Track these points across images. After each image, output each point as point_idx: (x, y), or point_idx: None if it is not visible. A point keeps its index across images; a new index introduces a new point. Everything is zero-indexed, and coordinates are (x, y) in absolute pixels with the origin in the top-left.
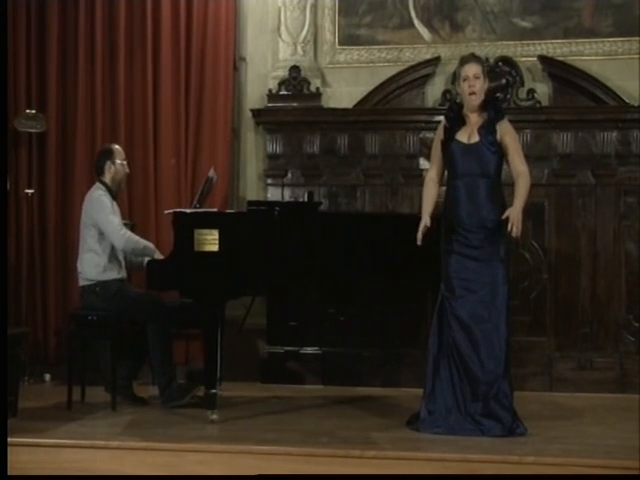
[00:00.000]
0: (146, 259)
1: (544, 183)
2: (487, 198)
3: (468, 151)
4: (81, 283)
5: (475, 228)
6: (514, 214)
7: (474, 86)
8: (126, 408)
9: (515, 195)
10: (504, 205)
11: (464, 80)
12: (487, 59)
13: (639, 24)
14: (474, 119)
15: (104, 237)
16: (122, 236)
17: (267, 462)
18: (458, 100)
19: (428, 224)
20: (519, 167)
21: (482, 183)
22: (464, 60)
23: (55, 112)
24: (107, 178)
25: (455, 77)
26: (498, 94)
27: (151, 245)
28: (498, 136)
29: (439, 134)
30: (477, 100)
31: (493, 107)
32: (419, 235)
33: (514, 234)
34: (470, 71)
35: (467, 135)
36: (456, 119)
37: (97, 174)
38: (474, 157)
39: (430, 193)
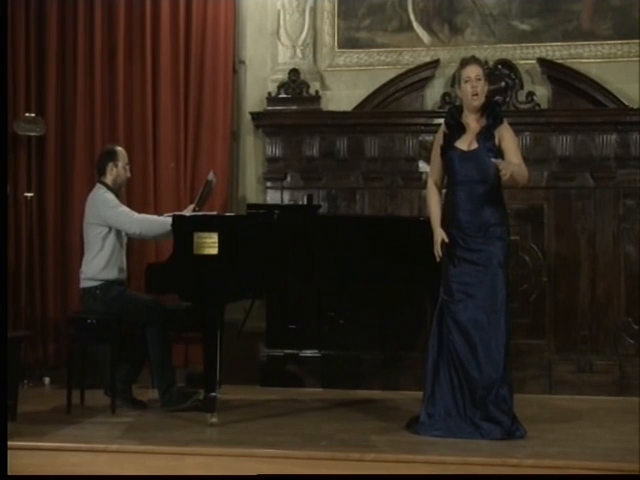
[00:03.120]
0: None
1: (543, 186)
2: (487, 202)
3: (467, 158)
4: (82, 285)
5: (474, 232)
6: (505, 163)
7: (476, 87)
8: (125, 411)
9: None
10: (504, 209)
11: (466, 82)
12: (486, 62)
13: (638, 27)
14: (473, 125)
15: (108, 235)
16: (135, 221)
17: (267, 465)
18: (457, 103)
19: (446, 239)
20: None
21: (482, 189)
22: (465, 62)
23: (54, 115)
24: (108, 179)
25: (455, 80)
26: (497, 97)
27: (162, 218)
28: (497, 141)
29: (438, 140)
30: (479, 101)
31: (492, 113)
32: (437, 251)
33: (502, 173)
34: (472, 73)
35: (467, 142)
36: (456, 126)
37: (98, 174)
38: (473, 164)
39: (435, 202)
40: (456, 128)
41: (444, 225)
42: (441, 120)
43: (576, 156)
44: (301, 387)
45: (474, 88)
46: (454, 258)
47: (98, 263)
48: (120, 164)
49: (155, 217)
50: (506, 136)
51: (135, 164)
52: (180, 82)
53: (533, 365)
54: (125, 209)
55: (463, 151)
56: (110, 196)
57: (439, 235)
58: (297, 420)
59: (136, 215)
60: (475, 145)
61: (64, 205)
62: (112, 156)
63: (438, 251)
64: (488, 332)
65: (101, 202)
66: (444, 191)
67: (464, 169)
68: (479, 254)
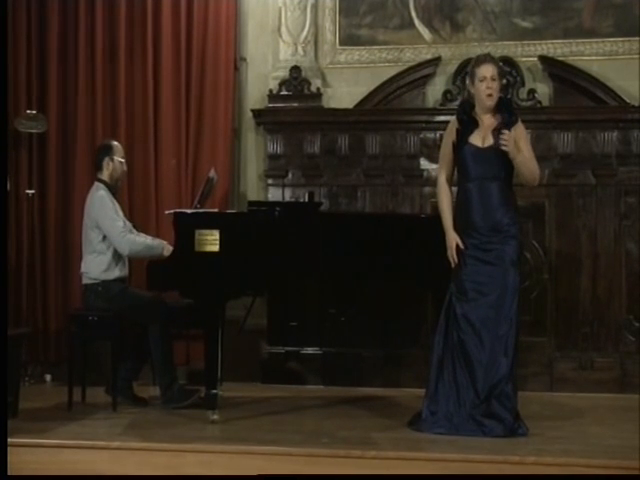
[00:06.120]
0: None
1: (544, 183)
2: (500, 201)
3: (481, 154)
4: (84, 281)
5: (487, 231)
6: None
7: (492, 88)
8: (127, 409)
9: None
10: (517, 208)
11: (481, 81)
12: None
13: (639, 24)
14: (487, 121)
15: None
16: (126, 242)
17: (268, 462)
18: (465, 97)
19: (461, 245)
20: None
21: (494, 186)
22: (481, 60)
23: (55, 112)
24: (105, 175)
25: (457, 75)
26: (500, 94)
27: (157, 243)
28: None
29: (450, 135)
30: (492, 102)
31: (507, 109)
32: (452, 256)
33: (503, 142)
34: (488, 72)
35: (481, 138)
36: (469, 121)
37: (96, 170)
38: (487, 160)
39: (447, 203)
40: (469, 123)
41: (456, 225)
42: (442, 117)
43: (577, 153)
44: (302, 384)
45: (489, 89)
46: (467, 257)
47: (99, 266)
48: (116, 158)
49: (147, 240)
50: (522, 138)
51: (136, 161)
52: (181, 79)
53: (534, 362)
54: (120, 225)
55: (478, 147)
56: (109, 202)
57: (453, 240)
58: (298, 417)
59: (128, 235)
60: (491, 141)
61: (65, 202)
62: (107, 150)
63: (453, 256)
64: (498, 331)
65: (99, 206)
66: (454, 188)
67: (478, 165)
68: (491, 253)
